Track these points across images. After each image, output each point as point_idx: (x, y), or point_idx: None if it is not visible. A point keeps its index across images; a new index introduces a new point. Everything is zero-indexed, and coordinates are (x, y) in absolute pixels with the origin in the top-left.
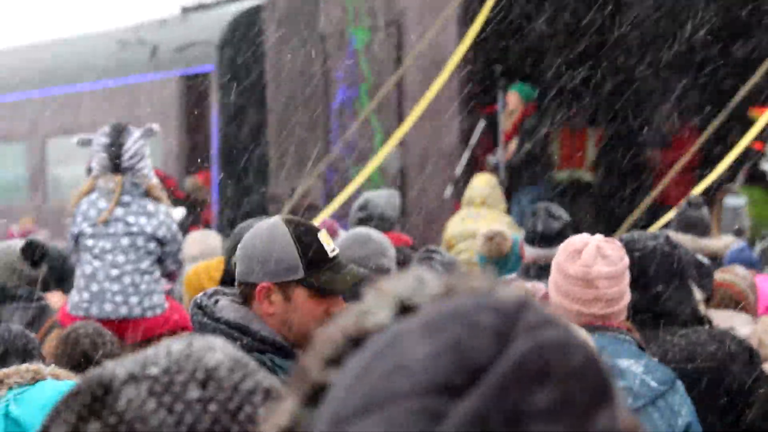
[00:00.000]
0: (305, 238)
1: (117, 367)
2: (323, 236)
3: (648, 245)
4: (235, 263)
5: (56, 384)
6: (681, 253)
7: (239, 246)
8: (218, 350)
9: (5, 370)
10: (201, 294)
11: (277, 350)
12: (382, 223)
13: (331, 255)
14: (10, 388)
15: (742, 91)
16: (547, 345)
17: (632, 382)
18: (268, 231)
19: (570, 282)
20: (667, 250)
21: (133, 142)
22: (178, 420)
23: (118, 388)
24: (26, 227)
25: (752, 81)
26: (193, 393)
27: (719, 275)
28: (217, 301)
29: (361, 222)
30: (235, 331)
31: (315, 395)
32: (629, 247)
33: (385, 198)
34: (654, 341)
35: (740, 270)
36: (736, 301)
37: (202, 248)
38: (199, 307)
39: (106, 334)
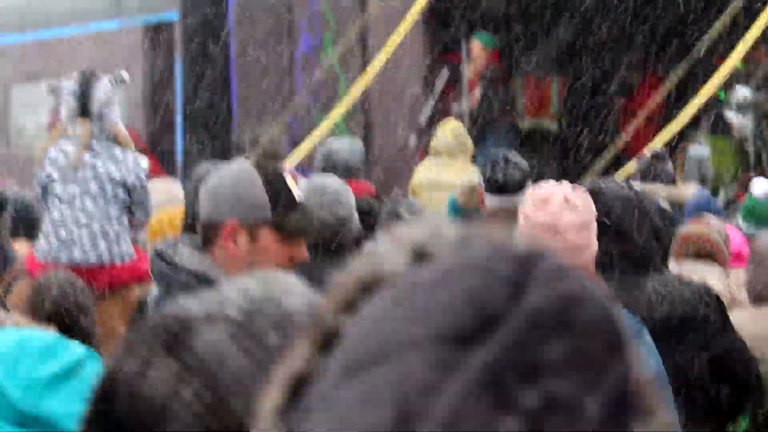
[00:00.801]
0: (273, 181)
1: (193, 305)
2: (290, 180)
3: (616, 192)
4: (196, 205)
5: (15, 332)
6: (647, 200)
7: (204, 187)
8: (296, 293)
9: None
10: (161, 241)
11: None
12: (346, 172)
13: (297, 199)
14: None
15: (705, 41)
16: (563, 296)
17: None
18: (236, 171)
19: (537, 231)
20: (634, 198)
21: (101, 89)
22: (257, 366)
23: (196, 327)
24: None
25: (715, 30)
26: (273, 338)
27: (691, 226)
28: (176, 248)
29: (324, 171)
30: (194, 280)
31: (328, 341)
32: (595, 194)
33: (348, 146)
34: (629, 287)
35: (713, 220)
36: (709, 252)
37: (166, 196)
38: (159, 255)
39: (77, 282)
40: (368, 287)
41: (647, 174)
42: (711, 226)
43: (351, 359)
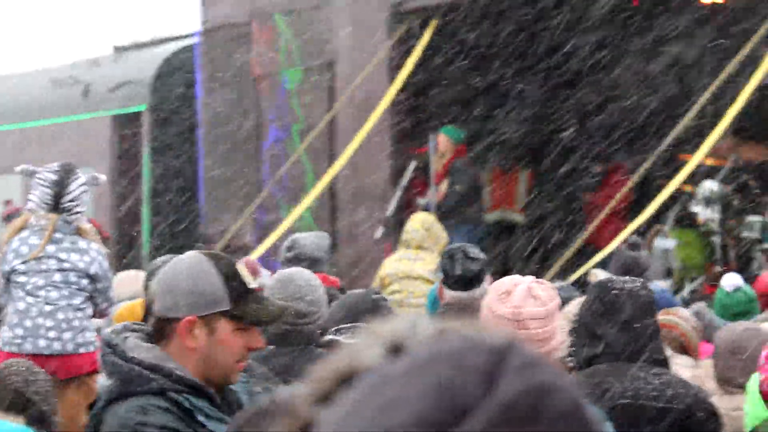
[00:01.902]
0: (227, 270)
1: None
2: (242, 268)
3: (625, 287)
4: (151, 299)
5: None
6: (652, 295)
7: (157, 281)
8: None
9: None
10: (109, 331)
11: (193, 390)
12: (311, 264)
13: (251, 286)
14: None
15: (672, 135)
16: (533, 388)
17: None
18: (190, 264)
19: (500, 323)
20: (644, 293)
21: (77, 185)
22: None
23: None
24: None
25: (681, 125)
26: None
27: (662, 316)
28: (126, 339)
29: (289, 262)
30: (149, 372)
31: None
32: (607, 287)
33: (313, 239)
34: (625, 379)
35: (683, 312)
36: (680, 343)
37: (134, 288)
38: (109, 345)
39: (38, 372)
40: (345, 379)
41: (620, 264)
42: (681, 315)
43: None
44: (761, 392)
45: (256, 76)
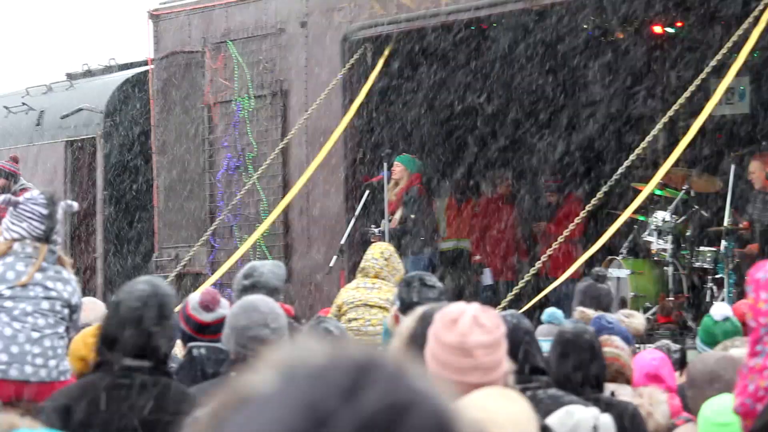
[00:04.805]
0: None
1: None
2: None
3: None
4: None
5: None
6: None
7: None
8: None
9: None
10: None
11: None
12: (268, 292)
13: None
14: None
15: (624, 165)
16: (393, 403)
17: None
18: None
19: (447, 351)
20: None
21: (59, 214)
22: None
23: None
24: None
25: (633, 155)
26: None
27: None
28: None
29: (246, 290)
30: None
31: None
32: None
33: (270, 267)
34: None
35: (619, 341)
36: (621, 373)
37: (94, 315)
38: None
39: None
40: (237, 404)
41: (588, 295)
42: (618, 346)
43: None
44: (738, 414)
45: (209, 104)
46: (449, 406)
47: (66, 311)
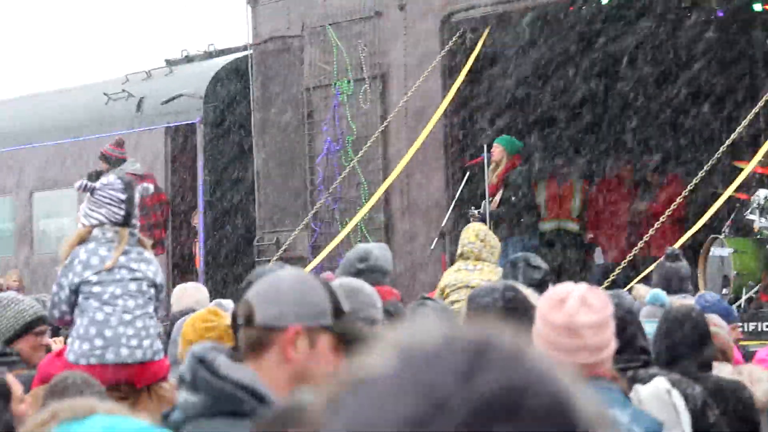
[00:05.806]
0: (328, 288)
1: None
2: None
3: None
4: (250, 309)
5: (106, 418)
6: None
7: (257, 292)
8: None
9: (57, 405)
10: (199, 347)
11: None
12: (381, 275)
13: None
14: (60, 423)
15: (726, 143)
16: (512, 385)
17: None
18: (296, 276)
19: (554, 332)
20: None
21: (136, 197)
22: None
23: None
24: (10, 284)
25: (735, 133)
26: None
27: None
28: (216, 356)
29: (360, 273)
30: (241, 392)
31: None
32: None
33: (382, 250)
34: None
35: (717, 320)
36: (722, 351)
37: (197, 299)
38: (201, 361)
39: (94, 383)
40: (351, 386)
41: (661, 275)
42: (717, 324)
43: None
44: None
45: (308, 88)
46: (568, 388)
47: (152, 291)
